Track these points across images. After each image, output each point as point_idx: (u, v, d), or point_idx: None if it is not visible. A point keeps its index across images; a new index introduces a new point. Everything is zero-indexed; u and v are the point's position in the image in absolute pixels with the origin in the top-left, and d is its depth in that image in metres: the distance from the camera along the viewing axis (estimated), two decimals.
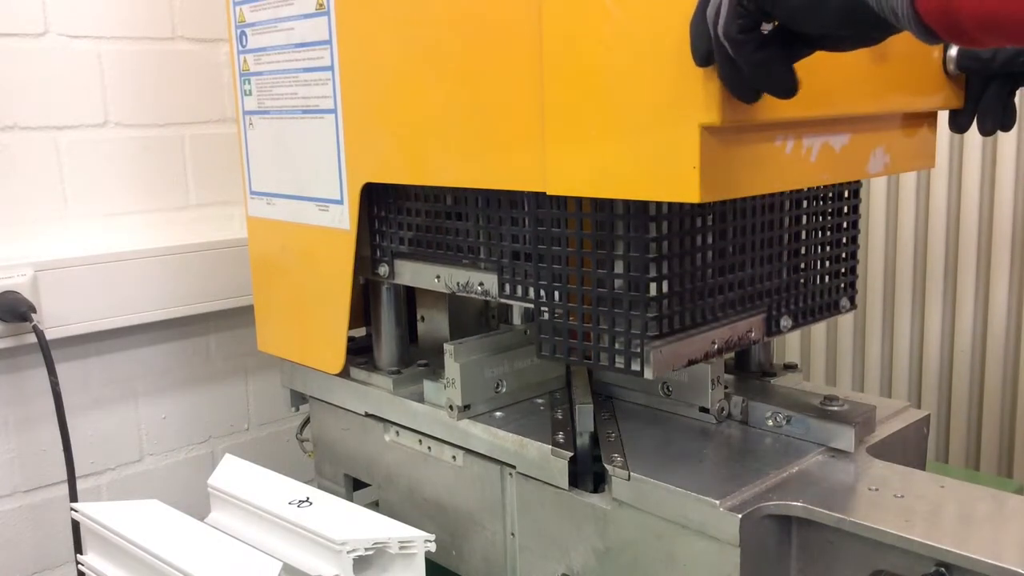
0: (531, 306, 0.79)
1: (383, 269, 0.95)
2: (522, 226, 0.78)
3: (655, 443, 0.81)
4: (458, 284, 0.86)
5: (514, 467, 0.84)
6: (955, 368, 1.46)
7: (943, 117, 0.80)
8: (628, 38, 0.62)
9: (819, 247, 0.87)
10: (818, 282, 0.88)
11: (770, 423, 0.83)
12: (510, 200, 0.80)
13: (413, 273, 0.92)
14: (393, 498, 1.00)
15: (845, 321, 1.57)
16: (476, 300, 0.97)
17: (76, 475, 1.14)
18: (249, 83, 1.04)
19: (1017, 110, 0.77)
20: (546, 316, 0.77)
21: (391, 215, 0.94)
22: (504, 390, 0.91)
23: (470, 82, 0.77)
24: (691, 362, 0.75)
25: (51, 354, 1.11)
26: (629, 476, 0.74)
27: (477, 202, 0.84)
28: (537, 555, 0.83)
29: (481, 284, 0.84)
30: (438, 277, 0.89)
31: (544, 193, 0.72)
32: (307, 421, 1.14)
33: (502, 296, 0.82)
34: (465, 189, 0.84)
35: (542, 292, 0.77)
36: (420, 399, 0.94)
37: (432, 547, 0.83)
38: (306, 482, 0.97)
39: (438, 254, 0.88)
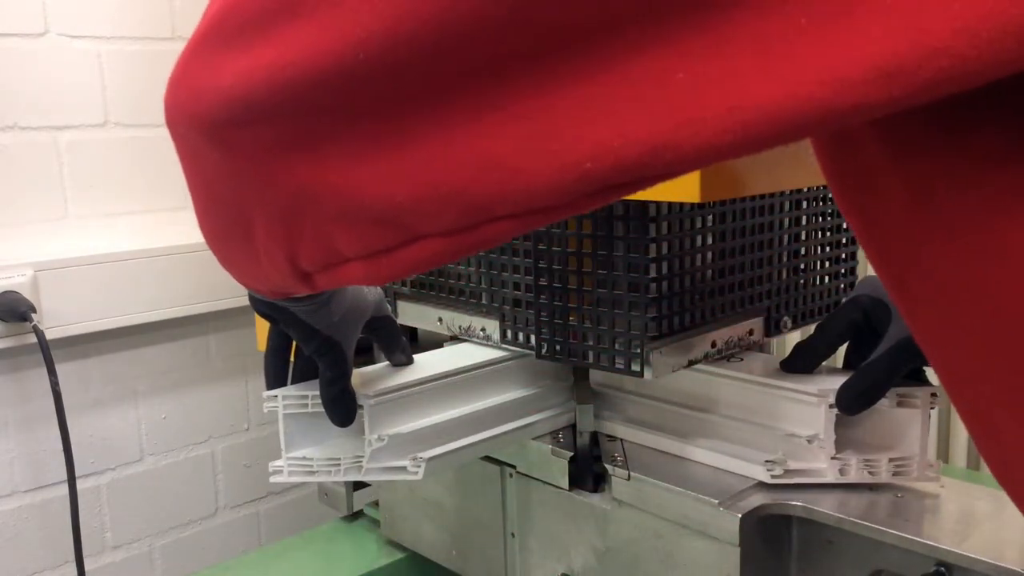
0: (532, 353, 0.79)
1: None
2: (523, 274, 0.78)
3: None
4: (460, 327, 0.86)
5: (514, 467, 0.84)
6: None
7: None
8: None
9: (819, 247, 0.87)
10: (818, 282, 0.88)
11: None
12: (512, 247, 0.79)
13: (416, 314, 0.92)
14: (393, 498, 1.00)
15: None
16: None
17: (76, 475, 1.14)
18: None
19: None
20: (546, 317, 0.77)
21: None
22: None
23: None
24: (691, 363, 0.75)
25: (51, 354, 1.11)
26: (629, 476, 0.74)
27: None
28: (537, 555, 0.83)
29: (483, 329, 0.84)
30: (440, 320, 0.88)
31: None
32: None
33: (504, 342, 0.81)
34: None
35: (542, 292, 0.77)
36: None
37: None
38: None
39: (440, 296, 0.88)
